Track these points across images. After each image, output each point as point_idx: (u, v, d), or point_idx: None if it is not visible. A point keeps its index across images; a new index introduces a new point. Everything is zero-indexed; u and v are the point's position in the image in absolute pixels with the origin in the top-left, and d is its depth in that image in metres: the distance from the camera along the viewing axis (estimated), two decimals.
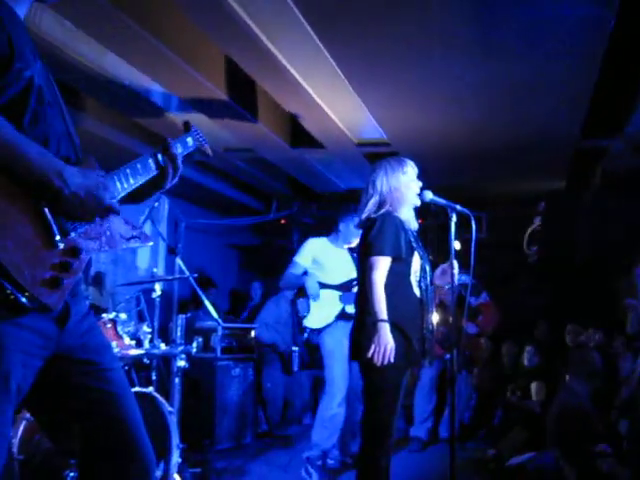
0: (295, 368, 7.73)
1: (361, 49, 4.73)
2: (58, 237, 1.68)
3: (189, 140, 2.31)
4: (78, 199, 1.71)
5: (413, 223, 3.88)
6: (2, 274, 1.56)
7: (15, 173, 1.60)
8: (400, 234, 3.70)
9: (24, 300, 1.61)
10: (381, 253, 3.62)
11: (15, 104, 1.70)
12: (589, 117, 5.98)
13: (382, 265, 3.62)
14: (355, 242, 5.23)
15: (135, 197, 2.08)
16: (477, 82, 5.36)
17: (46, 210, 1.66)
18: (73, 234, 1.73)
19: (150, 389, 4.50)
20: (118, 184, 1.92)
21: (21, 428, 3.74)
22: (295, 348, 7.69)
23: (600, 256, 8.68)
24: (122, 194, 1.94)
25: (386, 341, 3.50)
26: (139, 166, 2.01)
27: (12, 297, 1.59)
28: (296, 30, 4.38)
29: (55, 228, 1.68)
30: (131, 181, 1.97)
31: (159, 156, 2.10)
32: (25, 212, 1.63)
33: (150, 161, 2.07)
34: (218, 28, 4.49)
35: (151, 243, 2.05)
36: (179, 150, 2.20)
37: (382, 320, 3.53)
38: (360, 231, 3.92)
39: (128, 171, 1.97)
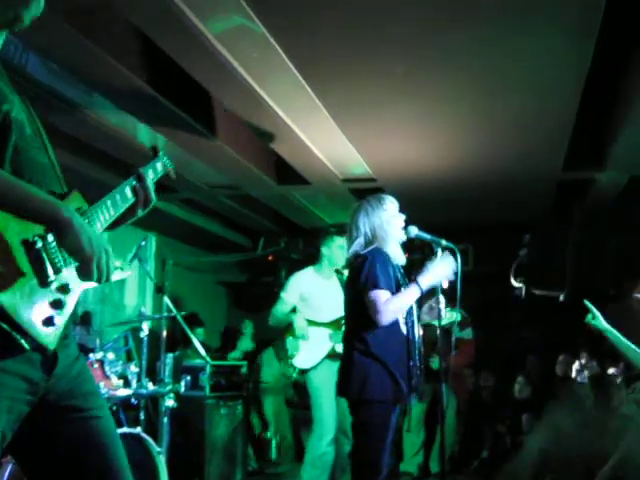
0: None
1: (345, 87, 4.78)
2: (51, 275, 1.67)
3: (158, 165, 2.33)
4: (84, 231, 1.72)
5: (400, 258, 3.90)
6: (5, 320, 1.55)
7: (26, 212, 1.63)
8: (389, 270, 3.73)
9: (22, 341, 1.59)
10: (377, 287, 3.63)
11: None
12: (571, 149, 6.05)
13: (382, 296, 3.63)
14: (341, 261, 5.20)
15: (112, 225, 2.09)
16: (460, 119, 5.44)
17: (40, 247, 1.65)
18: (63, 271, 1.73)
19: (138, 429, 4.47)
20: (101, 216, 1.94)
21: (7, 472, 3.71)
22: None
23: (587, 286, 8.72)
24: (106, 224, 1.97)
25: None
26: (118, 197, 2.03)
27: (10, 338, 1.57)
28: (280, 69, 4.44)
29: (49, 266, 1.67)
30: (112, 212, 1.99)
31: (134, 184, 2.13)
32: (19, 250, 1.62)
33: (127, 190, 2.09)
34: (205, 70, 4.54)
35: (130, 273, 2.06)
36: (150, 176, 2.23)
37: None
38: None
39: (109, 202, 1.99)
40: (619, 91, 5.08)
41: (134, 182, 2.13)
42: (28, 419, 1.77)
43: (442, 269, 3.80)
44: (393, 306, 3.63)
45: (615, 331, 4.43)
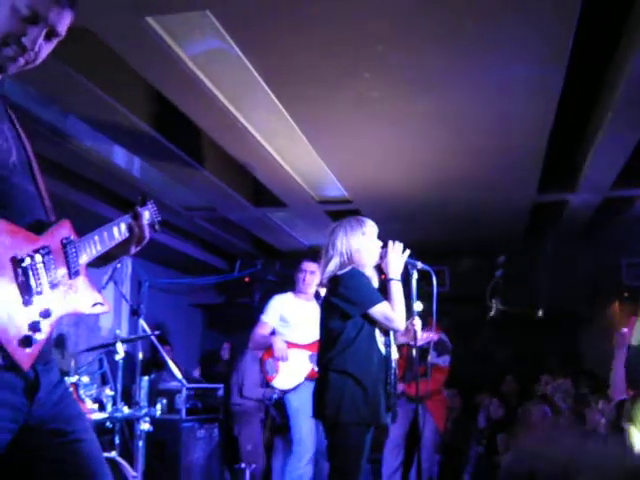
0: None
1: (321, 109, 4.83)
2: (35, 295, 1.67)
3: (146, 214, 2.34)
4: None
5: (375, 281, 3.91)
6: None
7: None
8: (372, 286, 3.77)
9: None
10: (378, 301, 3.66)
11: None
12: (545, 172, 6.13)
13: (386, 306, 3.66)
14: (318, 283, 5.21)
15: (104, 260, 2.12)
16: (433, 142, 5.51)
17: (27, 266, 1.65)
18: (47, 294, 1.73)
19: (113, 454, 4.43)
20: (88, 249, 1.95)
21: None
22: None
23: (562, 306, 8.80)
24: (91, 258, 1.97)
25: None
26: (105, 234, 2.04)
27: None
28: (256, 92, 4.47)
29: (33, 286, 1.67)
30: (98, 247, 2.00)
31: (130, 221, 2.15)
32: (7, 266, 1.62)
33: (118, 227, 2.11)
34: (182, 94, 4.57)
35: (107, 309, 2.06)
36: (146, 217, 2.25)
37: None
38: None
39: (96, 237, 2.00)
40: (591, 113, 5.17)
41: (130, 220, 2.16)
42: (11, 446, 1.75)
43: (395, 254, 3.84)
44: (399, 310, 3.70)
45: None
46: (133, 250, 2.20)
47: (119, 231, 2.11)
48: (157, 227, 2.39)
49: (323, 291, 5.10)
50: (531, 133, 5.19)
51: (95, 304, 1.98)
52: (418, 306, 3.93)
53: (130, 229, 2.16)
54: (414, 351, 4.05)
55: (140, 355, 5.24)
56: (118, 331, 5.40)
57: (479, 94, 4.63)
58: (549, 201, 7.33)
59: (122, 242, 2.14)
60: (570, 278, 8.78)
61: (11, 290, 1.64)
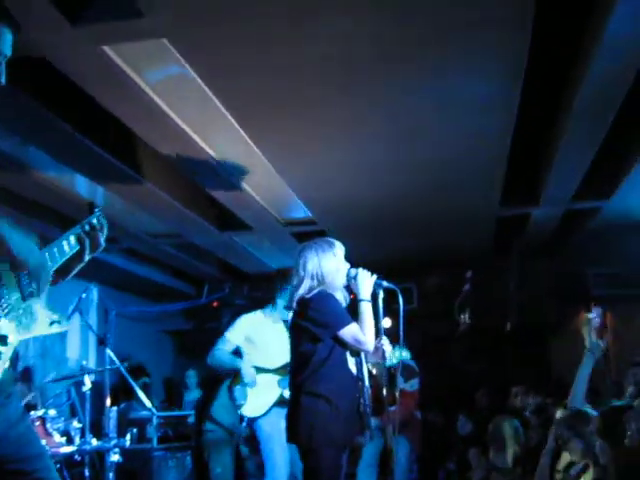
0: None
1: (280, 132, 4.85)
2: None
3: (94, 221, 2.35)
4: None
5: (343, 302, 3.92)
6: None
7: None
8: (342, 307, 3.77)
9: None
10: (347, 322, 3.65)
11: None
12: (507, 186, 6.20)
13: (355, 328, 3.65)
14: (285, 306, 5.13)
15: (61, 273, 2.14)
16: (395, 162, 5.55)
17: None
18: (1, 321, 1.70)
19: None
20: (49, 263, 1.94)
21: None
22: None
23: (530, 318, 8.88)
24: (51, 271, 1.99)
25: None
26: (56, 249, 2.07)
27: None
28: (215, 115, 4.48)
29: None
30: (50, 264, 2.02)
31: (79, 232, 2.21)
32: None
33: (71, 238, 2.17)
34: (139, 118, 4.56)
35: (66, 327, 2.05)
36: (96, 224, 2.28)
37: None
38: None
39: (55, 250, 2.01)
40: (549, 128, 5.24)
41: (78, 230, 2.20)
42: None
43: (364, 276, 3.85)
44: (368, 331, 3.69)
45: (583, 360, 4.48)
46: (87, 258, 2.24)
47: (69, 244, 2.15)
48: (108, 233, 2.40)
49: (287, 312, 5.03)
50: (491, 148, 5.26)
51: (52, 323, 1.96)
52: (386, 322, 3.93)
53: (79, 240, 2.19)
54: (384, 378, 4.05)
55: (108, 386, 5.17)
56: (84, 362, 5.32)
57: (439, 110, 4.68)
58: (512, 215, 7.41)
59: (75, 254, 2.15)
60: (537, 290, 8.87)
61: None
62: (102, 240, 2.27)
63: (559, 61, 4.30)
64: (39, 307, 1.92)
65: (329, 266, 3.78)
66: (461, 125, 4.90)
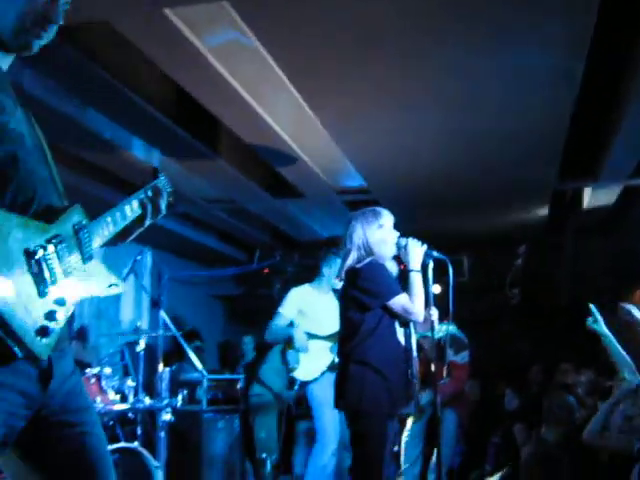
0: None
1: (339, 98, 4.81)
2: (48, 285, 1.68)
3: (158, 187, 2.37)
4: None
5: (394, 272, 3.92)
6: (0, 324, 1.56)
7: None
8: (392, 276, 3.77)
9: (16, 348, 1.60)
10: (396, 292, 3.67)
11: None
12: (565, 160, 6.09)
13: (405, 298, 3.66)
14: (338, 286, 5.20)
15: (121, 236, 2.17)
16: (455, 131, 5.48)
17: (40, 257, 1.67)
18: (61, 282, 1.74)
19: (135, 444, 4.46)
20: (101, 231, 1.97)
21: None
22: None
23: (582, 296, 8.74)
24: (105, 240, 2.00)
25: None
26: (118, 214, 2.09)
27: (3, 344, 1.58)
28: (274, 82, 4.46)
29: (47, 276, 1.68)
30: (111, 228, 2.04)
31: (142, 197, 2.22)
32: (19, 258, 1.63)
33: (133, 203, 2.18)
34: (200, 85, 4.57)
35: (122, 289, 2.08)
36: (159, 190, 2.31)
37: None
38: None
39: (109, 218, 2.03)
40: (613, 101, 5.12)
41: (141, 195, 2.22)
42: (22, 433, 1.77)
43: (414, 245, 3.82)
44: (418, 301, 3.71)
45: (613, 339, 4.45)
46: (148, 223, 2.26)
47: (131, 209, 2.16)
48: (170, 199, 2.43)
49: (335, 282, 5.10)
50: (552, 120, 5.15)
51: (110, 285, 1.99)
52: (436, 289, 3.91)
53: (142, 205, 2.22)
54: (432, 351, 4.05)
55: (161, 347, 5.25)
56: (139, 323, 5.42)
57: (500, 80, 4.59)
58: (569, 189, 7.28)
59: (137, 218, 2.20)
60: (592, 267, 8.72)
61: (26, 282, 1.64)
62: (164, 206, 2.30)
63: (624, 32, 4.18)
64: (98, 269, 1.95)
65: (375, 237, 3.78)
66: (522, 96, 4.80)
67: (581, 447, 4.68)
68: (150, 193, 2.26)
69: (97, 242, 1.95)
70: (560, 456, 4.86)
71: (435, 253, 3.94)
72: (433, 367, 4.14)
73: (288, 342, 5.48)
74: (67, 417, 1.88)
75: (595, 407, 5.50)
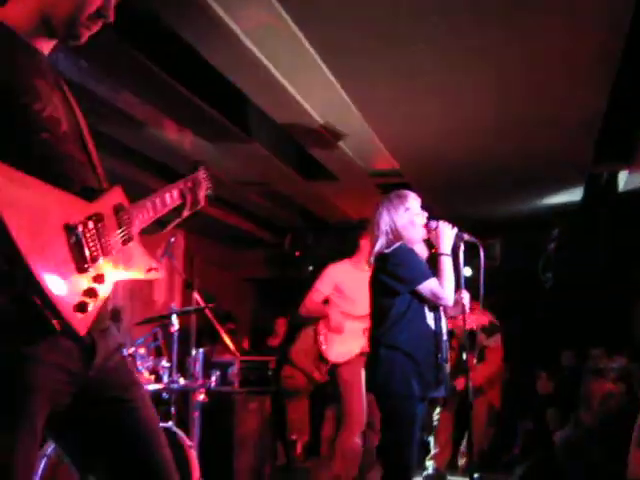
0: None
1: (373, 80, 4.78)
2: (89, 262, 1.69)
3: (198, 179, 2.39)
4: None
5: (423, 254, 3.91)
6: (39, 296, 1.57)
7: None
8: (421, 260, 3.76)
9: (54, 322, 1.60)
10: (426, 277, 3.66)
11: (20, 136, 1.72)
12: (600, 143, 6.01)
13: (435, 283, 3.66)
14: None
15: (159, 225, 2.21)
16: (487, 114, 5.43)
17: (80, 233, 1.67)
18: (101, 260, 1.75)
19: (170, 424, 4.52)
20: (141, 215, 1.98)
21: (42, 465, 3.76)
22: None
23: (617, 280, 8.65)
24: (144, 224, 2.01)
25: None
26: (158, 200, 2.10)
27: (42, 318, 1.58)
28: (308, 63, 4.45)
29: (87, 253, 1.69)
30: (151, 213, 2.05)
31: (182, 187, 2.25)
32: (60, 234, 1.64)
33: (174, 192, 2.20)
34: (232, 65, 4.57)
35: (162, 275, 2.10)
36: (199, 183, 2.34)
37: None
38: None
39: (149, 204, 2.04)
40: None
41: (182, 186, 2.25)
42: (70, 410, 1.79)
43: (445, 228, 3.81)
44: (448, 286, 3.69)
45: None
46: (186, 214, 2.29)
47: (172, 197, 2.18)
48: (210, 193, 2.45)
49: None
50: (588, 103, 5.09)
51: (150, 270, 2.01)
52: (467, 271, 3.89)
53: (182, 195, 2.24)
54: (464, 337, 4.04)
55: (194, 328, 5.30)
56: (173, 304, 5.47)
57: (535, 63, 4.54)
58: (604, 173, 7.19)
59: (175, 208, 2.22)
60: (626, 250, 8.61)
61: (65, 257, 1.65)
62: (202, 199, 2.33)
63: None
64: (138, 252, 1.97)
65: (402, 220, 3.76)
66: (559, 80, 4.75)
67: (616, 432, 4.67)
68: (190, 184, 2.29)
69: (136, 225, 1.95)
70: (596, 440, 4.85)
71: (466, 236, 3.91)
72: (465, 353, 4.14)
73: (322, 323, 5.46)
74: (116, 393, 1.89)
75: (627, 393, 5.47)
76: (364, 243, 5.34)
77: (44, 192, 1.65)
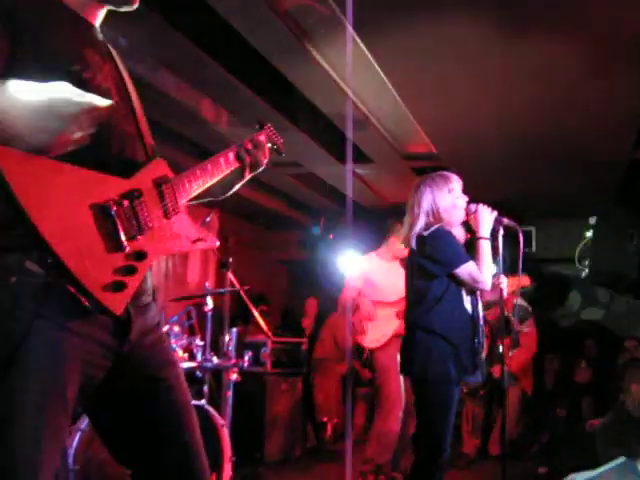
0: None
1: (410, 60, 4.73)
2: (125, 241, 1.67)
3: (260, 138, 2.37)
4: None
5: (461, 238, 3.87)
6: (68, 277, 1.56)
7: None
8: (459, 244, 3.73)
9: (87, 304, 1.60)
10: (464, 260, 3.63)
11: None
12: None
13: (473, 266, 3.62)
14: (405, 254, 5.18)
15: (222, 188, 2.22)
16: (525, 99, 5.36)
17: (114, 213, 1.65)
18: (140, 237, 1.73)
19: (203, 402, 4.54)
20: (188, 185, 1.95)
21: (76, 439, 3.79)
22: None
23: None
24: (193, 194, 1.98)
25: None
26: (210, 165, 2.06)
27: (75, 300, 1.59)
28: (349, 48, 4.41)
29: (121, 230, 1.67)
30: (200, 181, 2.01)
31: (237, 150, 2.21)
32: (91, 212, 1.63)
33: (229, 155, 2.17)
34: (272, 45, 4.54)
35: (217, 244, 2.06)
36: (263, 141, 2.34)
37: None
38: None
39: (198, 172, 2.01)
40: None
41: (238, 148, 2.21)
42: (105, 384, 1.79)
43: (484, 212, 3.76)
44: (486, 269, 3.66)
45: None
46: (248, 177, 2.27)
47: (227, 160, 2.15)
48: (280, 149, 2.41)
49: (402, 250, 5.04)
50: (630, 88, 4.98)
51: (196, 240, 1.97)
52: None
53: (239, 158, 2.20)
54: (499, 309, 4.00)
55: (228, 308, 5.31)
56: (207, 283, 5.49)
57: (575, 49, 4.46)
58: None
59: (235, 170, 2.19)
60: None
61: (93, 238, 1.63)
62: (264, 160, 2.29)
63: None
64: (184, 223, 1.92)
65: (445, 202, 3.72)
66: (598, 64, 4.66)
67: None
68: (249, 145, 2.25)
69: (183, 196, 1.92)
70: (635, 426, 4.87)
71: (505, 220, 3.87)
72: (500, 338, 4.09)
73: (356, 310, 5.56)
74: (151, 372, 1.89)
75: None
76: (392, 241, 5.40)
77: (71, 176, 1.63)
